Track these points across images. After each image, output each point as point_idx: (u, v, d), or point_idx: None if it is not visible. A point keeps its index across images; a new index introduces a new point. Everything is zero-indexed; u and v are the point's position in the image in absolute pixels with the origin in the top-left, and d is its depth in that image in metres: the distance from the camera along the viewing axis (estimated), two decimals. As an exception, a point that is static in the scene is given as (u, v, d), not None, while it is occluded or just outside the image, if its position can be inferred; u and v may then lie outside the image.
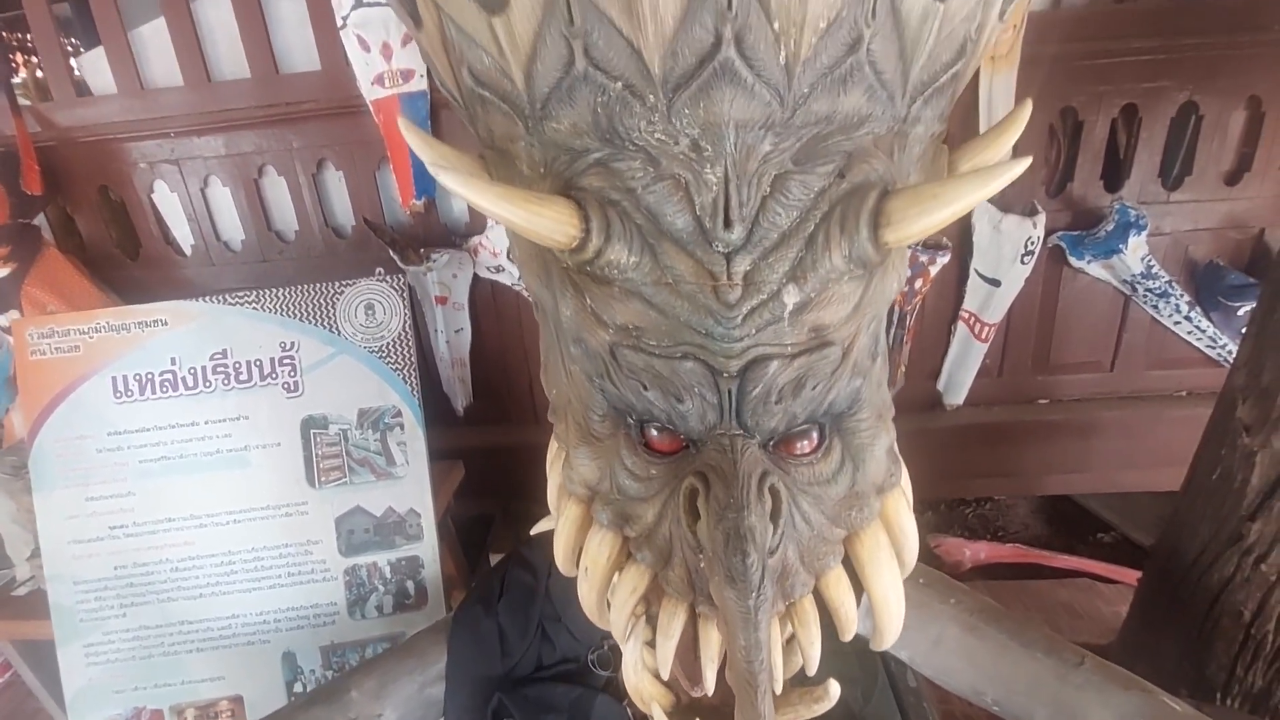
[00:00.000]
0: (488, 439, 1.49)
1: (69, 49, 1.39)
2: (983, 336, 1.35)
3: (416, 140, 0.51)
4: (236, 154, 1.40)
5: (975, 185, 0.38)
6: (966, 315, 1.36)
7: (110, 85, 1.36)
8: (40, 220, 1.45)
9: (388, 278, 1.10)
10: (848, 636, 0.50)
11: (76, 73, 1.40)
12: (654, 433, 0.45)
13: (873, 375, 0.46)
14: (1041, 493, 1.63)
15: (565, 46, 0.38)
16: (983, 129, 1.23)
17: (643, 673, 0.53)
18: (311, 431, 1.07)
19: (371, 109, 1.29)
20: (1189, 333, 1.36)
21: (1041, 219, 1.24)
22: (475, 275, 1.41)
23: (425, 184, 1.31)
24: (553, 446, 0.54)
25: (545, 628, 0.93)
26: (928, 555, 1.63)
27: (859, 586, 0.50)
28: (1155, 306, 1.35)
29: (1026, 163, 0.39)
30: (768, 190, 0.39)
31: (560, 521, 0.50)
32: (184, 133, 1.37)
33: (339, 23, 1.23)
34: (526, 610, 0.93)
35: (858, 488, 0.46)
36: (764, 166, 0.38)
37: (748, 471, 0.41)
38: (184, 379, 1.07)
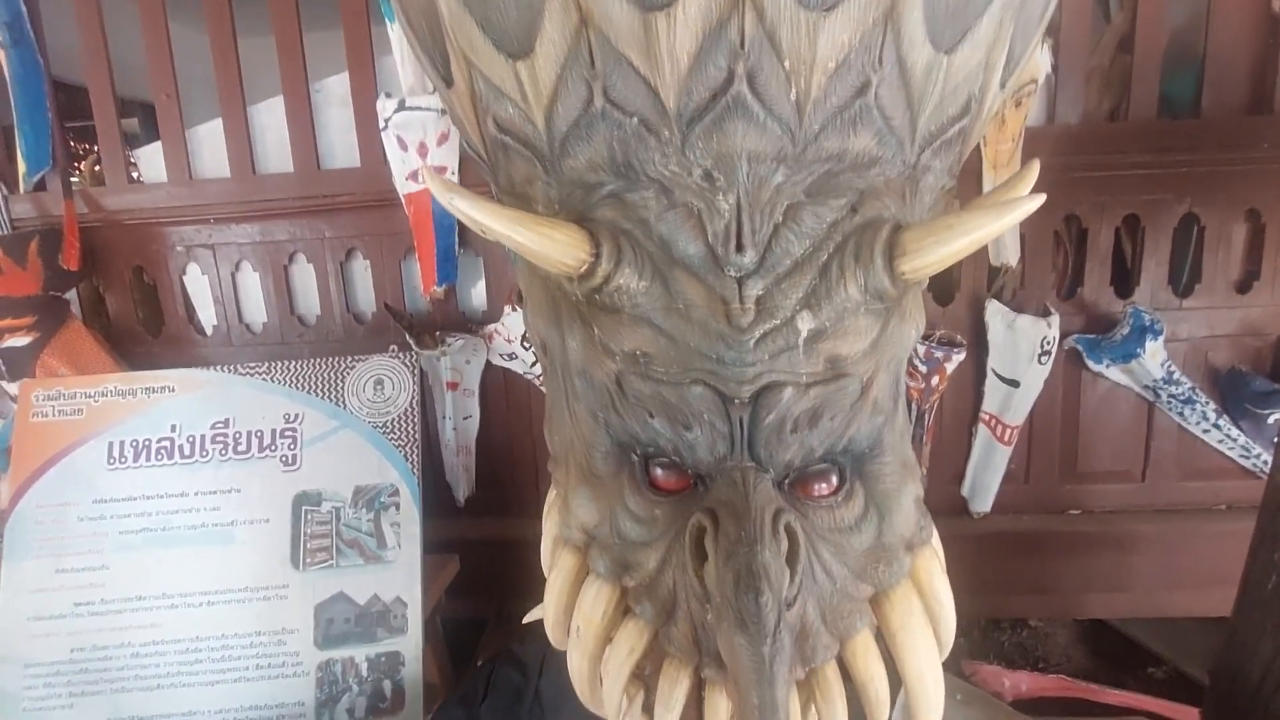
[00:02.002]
0: (487, 531, 1.42)
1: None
2: (1005, 439, 1.30)
3: (436, 184, 0.52)
4: (270, 241, 1.46)
5: (991, 216, 0.37)
6: (987, 417, 1.32)
7: (161, 175, 1.45)
8: (71, 295, 1.50)
9: (400, 354, 1.10)
10: (879, 715, 0.43)
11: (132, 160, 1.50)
12: (659, 471, 0.42)
13: (895, 421, 0.44)
14: (1081, 615, 1.50)
15: (585, 88, 0.40)
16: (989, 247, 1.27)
17: None
18: (303, 508, 1.03)
19: (404, 202, 1.36)
20: (1220, 441, 1.31)
21: (1055, 320, 1.24)
22: (488, 362, 1.41)
23: (447, 272, 1.35)
24: (550, 496, 0.50)
25: (533, 737, 0.83)
26: (960, 686, 1.47)
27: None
28: (1181, 414, 1.31)
29: (1040, 199, 0.39)
30: (780, 219, 0.39)
31: (552, 576, 0.46)
32: (223, 219, 1.44)
33: (381, 125, 1.33)
34: (513, 713, 0.84)
35: (884, 539, 0.41)
36: (776, 197, 0.39)
37: (761, 506, 0.37)
38: (181, 447, 1.04)
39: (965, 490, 1.36)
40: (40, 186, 1.48)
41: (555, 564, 0.45)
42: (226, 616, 0.99)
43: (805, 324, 0.38)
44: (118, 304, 1.53)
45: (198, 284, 1.50)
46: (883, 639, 0.42)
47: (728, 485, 0.38)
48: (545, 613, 0.47)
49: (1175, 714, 1.36)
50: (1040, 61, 1.18)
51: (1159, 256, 1.30)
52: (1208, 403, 1.30)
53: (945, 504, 1.38)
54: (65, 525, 1.02)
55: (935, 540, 0.44)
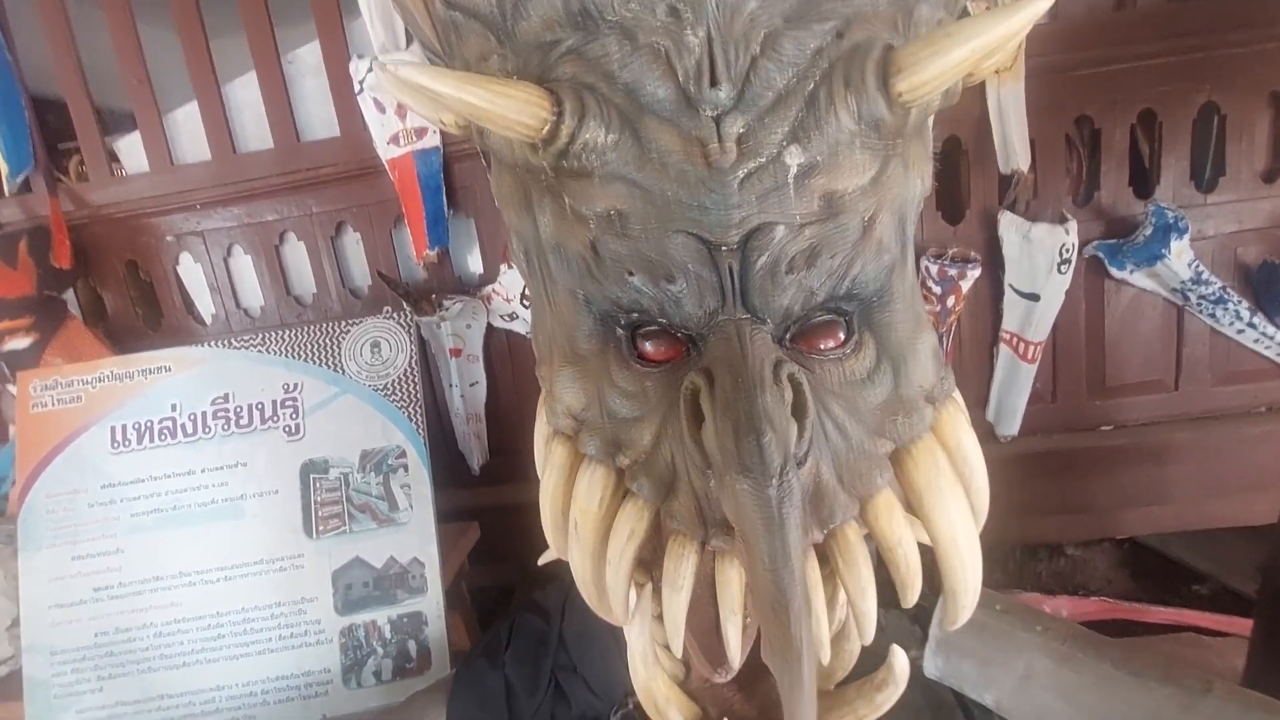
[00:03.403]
0: (505, 497, 1.40)
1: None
2: (1029, 357, 1.25)
3: (385, 74, 0.49)
4: (258, 222, 1.43)
5: (992, 21, 0.33)
6: (1008, 336, 1.27)
7: (143, 164, 1.43)
8: (70, 297, 1.49)
9: (394, 315, 1.07)
10: (910, 593, 0.39)
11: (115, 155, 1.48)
12: (648, 345, 0.38)
13: (905, 270, 0.40)
14: (1119, 533, 1.45)
15: None
16: (996, 142, 1.21)
17: (655, 669, 0.43)
18: (311, 476, 1.01)
19: (387, 168, 1.33)
20: (1255, 341, 1.25)
21: (1073, 226, 1.18)
22: (489, 325, 1.38)
23: (438, 234, 1.31)
24: (541, 411, 0.46)
25: (559, 680, 0.81)
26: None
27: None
28: (1213, 315, 1.25)
29: (1048, 2, 0.34)
30: (758, 50, 0.35)
31: (545, 475, 0.42)
32: (209, 204, 1.42)
33: (356, 88, 1.29)
34: (537, 661, 0.81)
35: (901, 392, 0.38)
36: (751, 26, 0.35)
37: (759, 356, 0.34)
38: (183, 426, 1.03)
39: (990, 415, 1.32)
40: (26, 190, 1.47)
41: (547, 461, 0.42)
42: (245, 590, 0.98)
43: (794, 159, 0.34)
44: (115, 300, 1.52)
45: (191, 273, 1.49)
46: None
47: (722, 342, 0.35)
48: (543, 516, 0.44)
49: (1225, 626, 1.32)
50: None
51: (1179, 152, 1.23)
52: (1240, 301, 1.23)
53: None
54: (76, 512, 1.01)
55: (958, 395, 0.41)
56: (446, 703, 0.80)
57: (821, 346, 0.37)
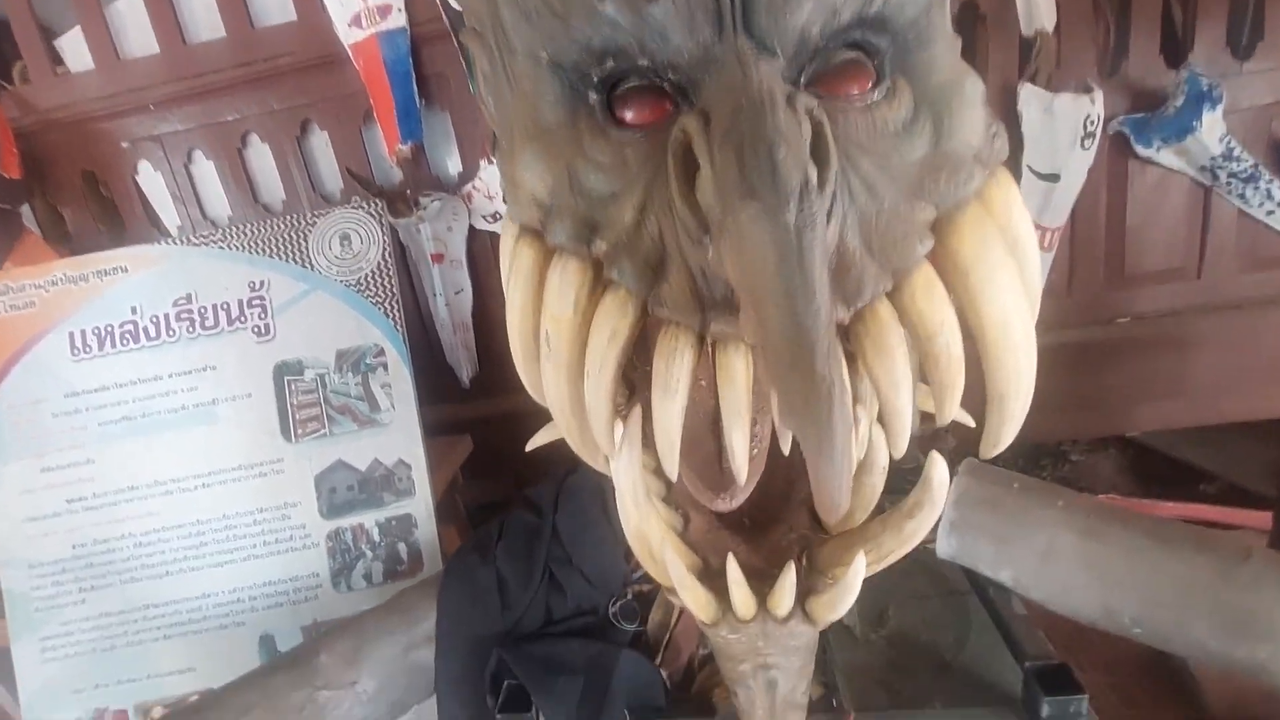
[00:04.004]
0: (497, 409, 1.35)
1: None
2: (1046, 244, 1.18)
3: None
4: (217, 123, 1.33)
5: None
6: (1022, 223, 1.19)
7: (88, 62, 1.31)
8: (28, 214, 1.40)
9: (364, 204, 0.99)
10: (947, 401, 0.33)
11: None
12: (628, 112, 0.31)
13: (944, 7, 0.32)
14: (1132, 429, 1.42)
15: None
16: (1019, 9, 1.10)
17: (647, 509, 0.37)
18: (285, 379, 0.95)
19: (351, 55, 1.22)
20: (1287, 222, 1.17)
21: (1099, 95, 1.09)
22: (471, 228, 1.29)
23: (410, 127, 1.21)
24: (506, 223, 0.39)
25: (554, 572, 0.77)
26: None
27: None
28: (1242, 195, 1.17)
29: None
30: None
31: (511, 287, 0.36)
32: (164, 103, 1.31)
33: (310, -40, 1.17)
34: (530, 554, 0.77)
35: (944, 146, 0.31)
36: None
37: (767, 86, 0.26)
38: (145, 329, 0.96)
39: (1002, 310, 1.25)
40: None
41: (513, 269, 0.35)
42: (224, 496, 0.94)
43: None
44: (75, 215, 1.43)
45: (152, 182, 1.39)
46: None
47: (720, 80, 0.28)
48: (512, 343, 0.38)
49: (1237, 519, 1.30)
50: None
51: (1215, 14, 1.12)
52: (1272, 180, 1.15)
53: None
54: (41, 423, 0.96)
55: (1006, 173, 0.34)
56: (437, 597, 0.77)
57: (846, 92, 0.30)
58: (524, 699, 0.67)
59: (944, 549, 0.72)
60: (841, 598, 0.35)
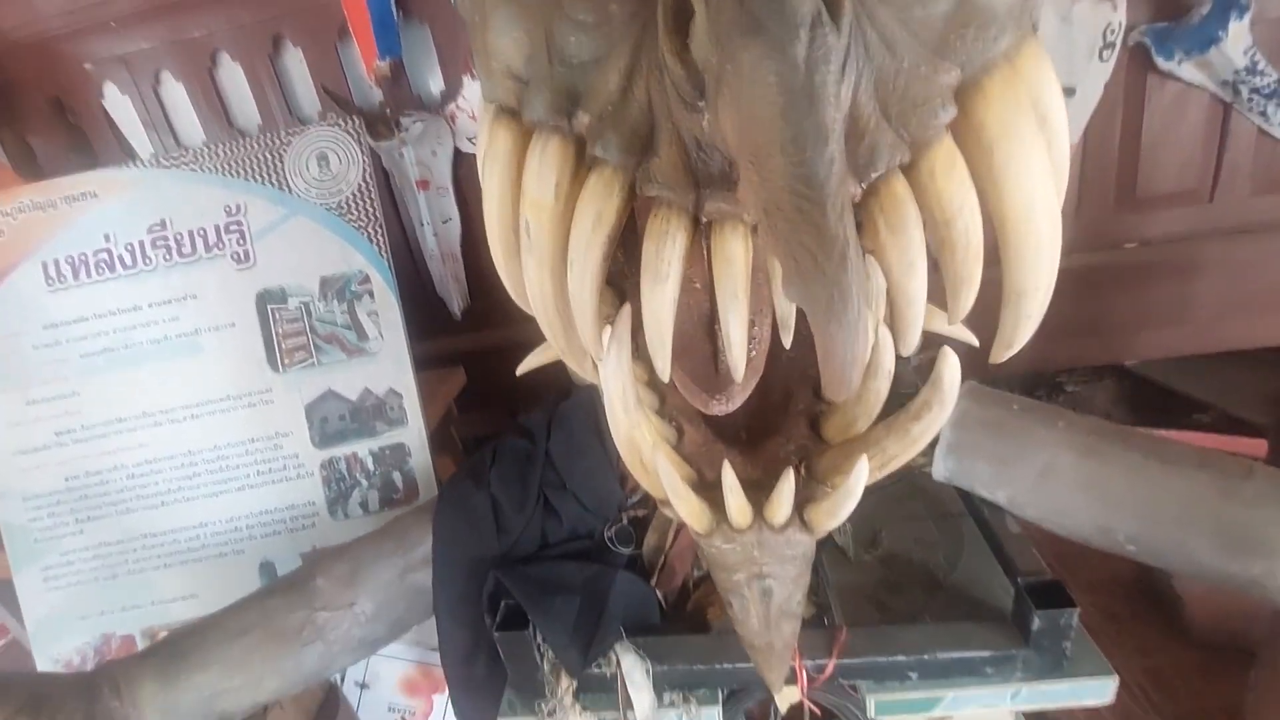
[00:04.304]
0: (490, 341, 1.33)
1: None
2: (1054, 165, 1.13)
3: None
4: (185, 39, 1.25)
5: None
6: (1032, 143, 1.14)
7: (42, -26, 1.22)
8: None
9: (340, 121, 0.94)
10: (964, 291, 0.31)
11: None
12: None
13: None
14: (1133, 356, 1.41)
15: None
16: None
17: (637, 414, 0.35)
18: (269, 307, 0.92)
19: (322, -38, 1.13)
20: (1308, 141, 1.12)
21: (1122, 2, 1.02)
22: (457, 151, 1.24)
23: (388, 42, 1.14)
24: (483, 108, 0.35)
25: (548, 497, 0.76)
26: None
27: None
28: (1264, 112, 1.12)
29: None
30: None
31: (487, 174, 0.33)
32: (126, 20, 1.23)
33: None
34: (524, 477, 0.77)
35: (974, 2, 0.27)
36: None
37: None
38: (120, 257, 0.93)
39: (1006, 234, 1.22)
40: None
41: (488, 151, 0.32)
42: (215, 427, 0.93)
43: None
44: (44, 145, 1.36)
45: (120, 107, 1.32)
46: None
47: None
48: (490, 236, 0.35)
49: (1232, 446, 1.31)
50: None
51: (1250, -90, 1.04)
52: (1297, 95, 1.10)
53: (991, 251, 1.23)
54: (21, 355, 0.93)
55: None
56: (432, 522, 0.77)
57: (861, -65, 0.26)
58: (521, 618, 0.67)
59: (940, 471, 0.72)
60: (842, 504, 0.34)
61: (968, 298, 0.31)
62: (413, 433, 0.93)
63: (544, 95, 0.29)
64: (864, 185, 0.27)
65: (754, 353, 0.34)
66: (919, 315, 0.30)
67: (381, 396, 0.92)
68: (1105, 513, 0.64)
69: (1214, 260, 1.19)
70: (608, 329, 0.33)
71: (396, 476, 0.93)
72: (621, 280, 0.33)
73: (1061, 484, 0.66)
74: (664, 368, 0.31)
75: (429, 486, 0.93)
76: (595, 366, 0.35)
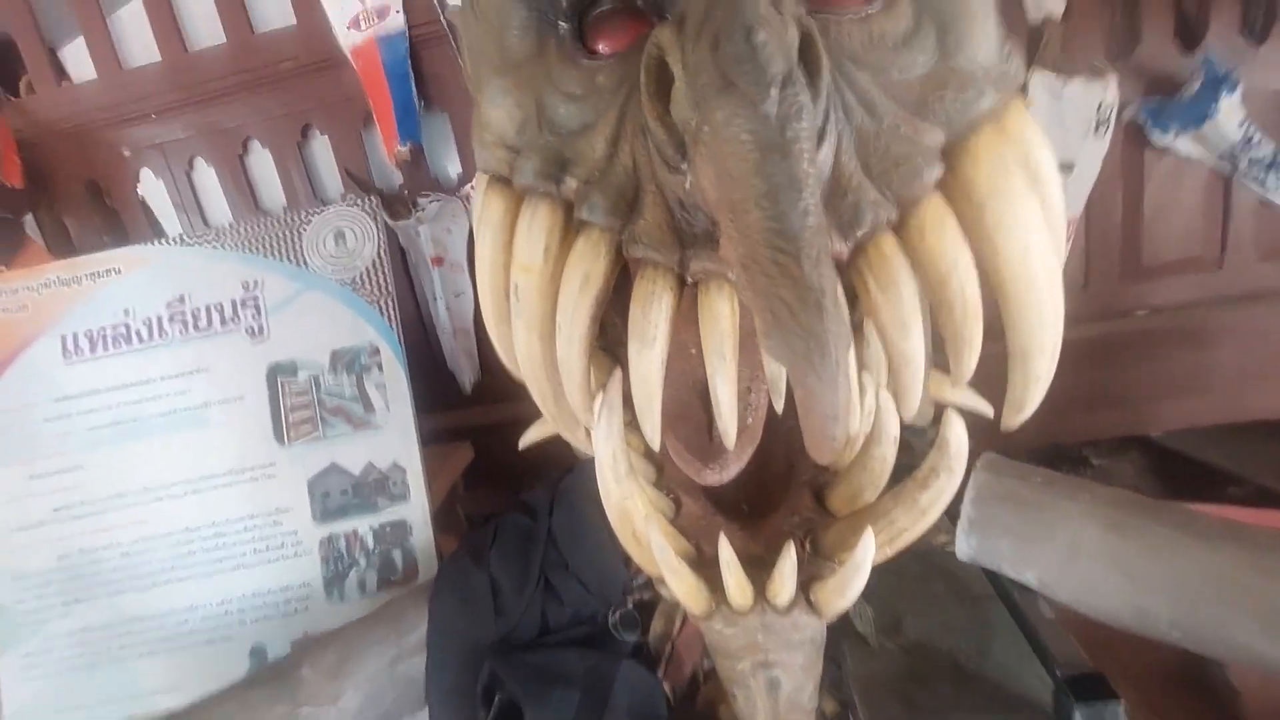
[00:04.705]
0: (500, 416, 1.32)
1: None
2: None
3: None
4: (219, 129, 1.33)
5: None
6: (1034, 216, 1.16)
7: (91, 74, 1.32)
8: (30, 223, 1.40)
9: (358, 201, 0.97)
10: (965, 352, 0.30)
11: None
12: (601, 43, 0.29)
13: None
14: (1155, 427, 1.37)
15: None
16: (1026, -5, 1.07)
17: (630, 483, 0.34)
18: (279, 379, 0.93)
19: (350, 57, 1.21)
20: (1312, 210, 1.13)
21: (1113, 80, 1.06)
22: (471, 229, 1.28)
23: (409, 127, 1.21)
24: (478, 182, 0.36)
25: (549, 579, 0.73)
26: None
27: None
28: (1264, 182, 1.13)
29: None
30: None
31: (480, 239, 0.33)
32: (165, 111, 1.31)
33: (308, -35, 1.17)
34: (525, 556, 0.74)
35: (953, 63, 0.28)
36: None
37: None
38: (138, 331, 0.94)
39: (1016, 305, 1.21)
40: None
41: (481, 218, 0.33)
42: (215, 502, 0.91)
43: None
44: (79, 225, 1.43)
45: (154, 191, 1.39)
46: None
47: None
48: (482, 303, 0.35)
49: (1270, 520, 1.24)
50: None
51: (1229, -2, 1.09)
52: (1295, 166, 1.11)
53: (996, 324, 1.22)
54: (31, 429, 0.94)
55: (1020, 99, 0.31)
56: (428, 604, 0.73)
57: (839, 4, 0.27)
58: (516, 713, 0.63)
59: (963, 550, 0.68)
60: (849, 581, 0.31)
61: (970, 360, 0.30)
62: (415, 509, 0.90)
63: (534, 162, 0.30)
64: (851, 244, 0.27)
65: (750, 420, 0.33)
66: (917, 376, 0.29)
67: (385, 471, 0.90)
68: (1139, 593, 0.60)
69: (1228, 327, 1.18)
70: (600, 396, 0.32)
71: (397, 555, 0.90)
72: (616, 347, 0.32)
73: (1091, 562, 0.62)
74: (653, 434, 0.30)
75: (429, 566, 0.89)
76: (589, 435, 0.34)
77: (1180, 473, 1.62)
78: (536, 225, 0.29)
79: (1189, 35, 1.12)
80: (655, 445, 0.30)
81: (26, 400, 0.94)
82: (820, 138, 0.24)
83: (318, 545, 0.90)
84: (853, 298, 0.28)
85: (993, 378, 0.39)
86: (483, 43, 0.33)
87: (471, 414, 1.36)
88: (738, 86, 0.21)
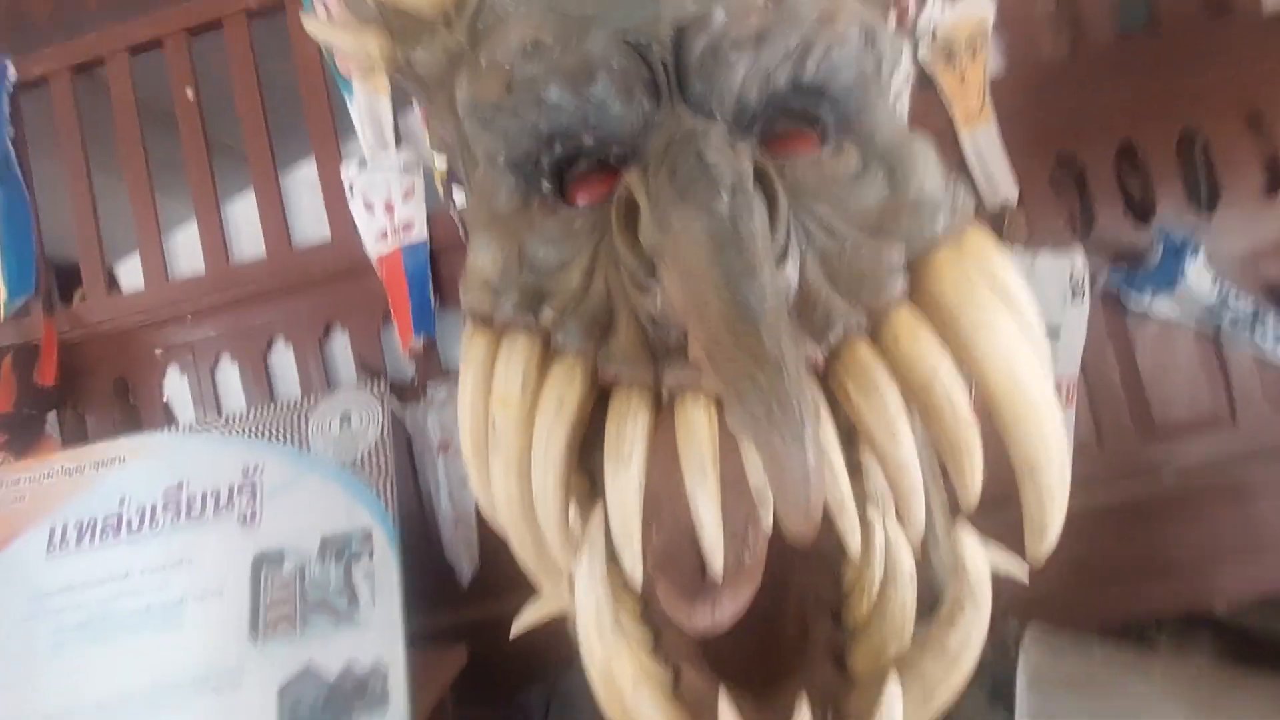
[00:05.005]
0: (497, 611, 1.21)
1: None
2: (1065, 398, 1.14)
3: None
4: (247, 328, 1.42)
5: None
6: (1032, 378, 1.17)
7: (140, 283, 1.45)
8: (52, 419, 1.44)
9: (366, 385, 1.00)
10: (965, 462, 0.28)
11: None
12: (579, 197, 0.31)
13: (884, 99, 0.33)
14: (1211, 597, 1.23)
15: None
16: (979, 181, 1.19)
17: (617, 641, 0.30)
18: (264, 569, 0.88)
19: (376, 265, 1.33)
20: (1308, 360, 1.14)
21: (1079, 253, 1.13)
22: (478, 413, 1.30)
23: (424, 322, 1.28)
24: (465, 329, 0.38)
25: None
26: None
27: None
28: (1252, 339, 1.15)
29: None
30: None
31: (462, 379, 0.33)
32: (200, 314, 1.41)
33: (347, 189, 1.33)
34: (517, 769, 0.64)
35: (904, 195, 0.29)
36: None
37: (703, 125, 0.26)
38: (129, 520, 0.92)
39: (1033, 470, 1.17)
40: (25, 314, 1.47)
41: (465, 358, 0.33)
42: (173, 716, 0.82)
43: None
44: (97, 421, 1.47)
45: (177, 385, 1.45)
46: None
47: (660, 134, 0.27)
48: (463, 442, 0.33)
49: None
50: (984, 8, 1.18)
51: (1169, 176, 1.20)
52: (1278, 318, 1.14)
53: (1014, 496, 1.17)
54: (4, 630, 0.88)
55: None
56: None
57: (792, 153, 0.30)
58: None
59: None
60: (878, 757, 0.26)
61: (972, 469, 0.28)
62: (396, 716, 0.80)
63: (513, 297, 0.31)
64: (825, 349, 0.26)
65: (747, 559, 0.30)
66: (916, 485, 0.27)
67: (364, 674, 0.82)
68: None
69: (1262, 481, 1.12)
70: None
71: (369, 777, 0.78)
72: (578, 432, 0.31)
73: (1183, 755, 0.53)
74: (633, 565, 0.27)
75: (407, 789, 0.77)
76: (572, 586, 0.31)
77: (1246, 651, 1.44)
78: (515, 357, 0.30)
79: (1140, 212, 1.22)
80: (636, 577, 0.27)
81: (2, 599, 0.89)
82: (783, 255, 0.25)
83: (281, 768, 0.79)
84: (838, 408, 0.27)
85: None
86: (475, 208, 0.36)
87: (468, 609, 1.26)
88: (694, 193, 0.23)
